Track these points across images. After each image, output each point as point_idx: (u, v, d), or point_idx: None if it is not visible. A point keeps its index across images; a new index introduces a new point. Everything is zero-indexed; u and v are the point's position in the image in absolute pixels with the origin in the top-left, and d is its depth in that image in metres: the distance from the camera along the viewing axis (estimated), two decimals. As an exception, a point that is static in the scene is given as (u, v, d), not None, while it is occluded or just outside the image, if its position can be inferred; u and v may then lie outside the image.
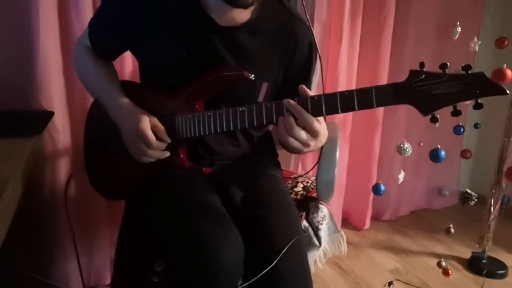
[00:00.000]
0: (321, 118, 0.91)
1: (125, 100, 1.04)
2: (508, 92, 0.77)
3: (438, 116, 0.82)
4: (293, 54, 1.08)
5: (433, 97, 0.80)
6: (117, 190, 1.19)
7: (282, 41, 1.06)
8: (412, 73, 0.82)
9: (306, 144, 0.89)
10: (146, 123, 0.98)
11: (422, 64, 0.82)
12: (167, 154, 1.02)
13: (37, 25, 1.34)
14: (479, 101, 0.79)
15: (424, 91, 0.81)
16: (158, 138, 0.99)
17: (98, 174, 1.21)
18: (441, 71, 0.80)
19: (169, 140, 1.02)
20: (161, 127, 1.00)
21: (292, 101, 0.88)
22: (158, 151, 1.01)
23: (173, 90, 1.03)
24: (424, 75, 0.81)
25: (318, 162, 1.24)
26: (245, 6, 0.96)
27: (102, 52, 1.12)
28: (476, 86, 0.77)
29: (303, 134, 0.88)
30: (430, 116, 0.83)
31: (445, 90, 0.79)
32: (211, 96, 1.02)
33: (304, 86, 0.90)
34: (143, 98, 1.05)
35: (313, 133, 0.88)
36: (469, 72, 0.78)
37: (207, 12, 1.01)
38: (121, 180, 1.16)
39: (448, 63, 0.80)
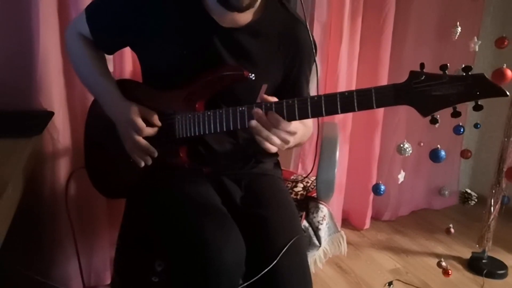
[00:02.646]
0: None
1: (118, 95, 1.06)
2: (508, 94, 0.77)
3: (438, 117, 0.82)
4: (294, 57, 1.08)
5: (433, 98, 0.80)
6: (117, 189, 1.19)
7: (283, 44, 1.06)
8: (412, 74, 0.81)
9: (286, 141, 0.91)
10: (135, 110, 1.00)
11: (422, 65, 0.81)
12: (155, 153, 1.02)
13: (37, 25, 1.34)
14: (479, 103, 0.79)
15: (424, 92, 0.80)
16: (148, 124, 1.01)
17: (98, 172, 1.21)
18: (441, 72, 0.80)
19: (159, 124, 1.03)
20: (151, 111, 1.02)
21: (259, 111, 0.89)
22: (147, 145, 1.01)
23: (174, 89, 1.03)
24: (424, 76, 0.80)
25: (316, 162, 1.24)
26: (239, 10, 0.96)
27: (102, 47, 1.12)
28: (476, 87, 0.77)
29: (281, 132, 0.89)
30: (430, 117, 0.83)
31: (445, 91, 0.79)
32: (211, 95, 1.02)
33: (264, 96, 0.92)
34: (143, 97, 1.05)
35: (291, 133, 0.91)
36: (469, 73, 0.78)
37: (209, 13, 1.01)
38: (121, 178, 1.16)
39: (448, 64, 0.80)
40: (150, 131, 1.01)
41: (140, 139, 1.01)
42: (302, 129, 1.00)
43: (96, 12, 1.08)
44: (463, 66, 0.79)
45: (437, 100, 0.80)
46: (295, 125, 0.91)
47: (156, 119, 1.02)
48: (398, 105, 0.83)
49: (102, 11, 1.08)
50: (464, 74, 0.78)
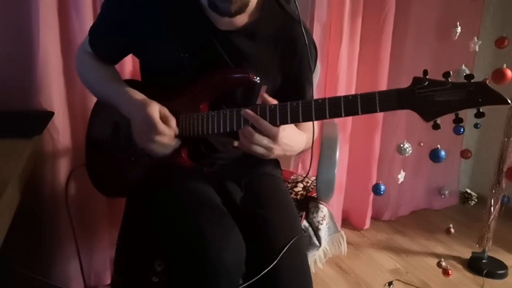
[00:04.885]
0: (287, 126, 0.93)
1: (136, 93, 1.02)
2: (510, 102, 0.78)
3: (439, 123, 0.83)
4: (292, 58, 1.07)
5: (436, 104, 0.81)
6: (117, 188, 1.19)
7: (281, 45, 1.06)
8: (416, 79, 0.82)
9: (269, 148, 0.92)
10: (155, 108, 0.96)
11: (425, 72, 0.82)
12: (178, 142, 1.00)
13: (37, 25, 1.34)
14: (480, 110, 0.80)
15: (427, 98, 0.81)
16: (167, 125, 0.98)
17: (99, 171, 1.20)
18: (444, 78, 0.81)
19: (177, 130, 0.99)
20: (171, 117, 0.98)
21: (248, 111, 0.91)
22: (166, 137, 0.97)
23: (177, 89, 1.03)
24: (427, 82, 0.81)
25: (314, 162, 1.24)
26: (229, 15, 0.96)
27: (103, 55, 1.12)
28: (478, 95, 0.78)
29: (264, 139, 0.91)
30: (432, 122, 0.83)
31: (447, 97, 0.80)
32: (215, 97, 1.02)
33: (264, 95, 0.94)
34: (147, 96, 1.04)
35: (273, 137, 0.91)
36: (472, 81, 0.79)
37: (207, 15, 1.01)
38: (121, 178, 1.16)
39: (451, 72, 0.82)
40: (166, 130, 0.96)
41: (158, 137, 0.96)
42: (298, 137, 1.00)
43: (97, 25, 1.10)
44: (466, 74, 0.80)
45: (440, 106, 0.81)
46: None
47: (174, 123, 0.98)
48: (401, 109, 0.84)
49: (102, 20, 1.09)
50: (466, 81, 0.79)
